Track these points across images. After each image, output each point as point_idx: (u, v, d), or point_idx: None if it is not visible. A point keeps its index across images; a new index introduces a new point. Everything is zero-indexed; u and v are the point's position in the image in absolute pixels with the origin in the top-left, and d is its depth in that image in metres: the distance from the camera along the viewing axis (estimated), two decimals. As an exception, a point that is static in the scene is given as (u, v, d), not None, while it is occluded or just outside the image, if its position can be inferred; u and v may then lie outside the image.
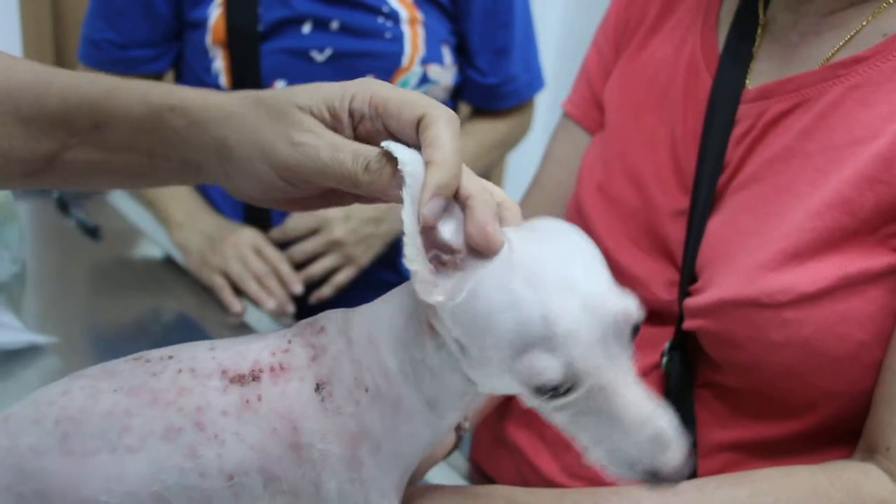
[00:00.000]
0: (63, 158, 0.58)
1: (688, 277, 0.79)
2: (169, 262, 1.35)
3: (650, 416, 0.45)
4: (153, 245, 1.39)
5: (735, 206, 0.77)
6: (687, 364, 0.80)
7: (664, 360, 0.81)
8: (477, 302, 0.46)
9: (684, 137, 0.83)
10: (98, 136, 0.57)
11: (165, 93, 0.56)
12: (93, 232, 1.38)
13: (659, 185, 0.83)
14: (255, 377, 0.53)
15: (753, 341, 0.72)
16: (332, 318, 0.55)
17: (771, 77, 0.79)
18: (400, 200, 0.48)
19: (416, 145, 0.50)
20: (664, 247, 0.83)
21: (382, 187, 0.50)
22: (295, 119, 0.52)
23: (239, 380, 0.53)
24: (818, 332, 0.70)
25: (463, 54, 1.44)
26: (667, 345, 0.81)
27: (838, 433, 0.73)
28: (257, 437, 0.52)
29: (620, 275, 0.85)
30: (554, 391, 0.45)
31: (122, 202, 1.48)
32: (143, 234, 1.42)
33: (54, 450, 0.53)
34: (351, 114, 0.52)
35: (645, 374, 0.83)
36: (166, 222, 1.36)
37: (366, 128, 0.53)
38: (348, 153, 0.51)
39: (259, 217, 1.38)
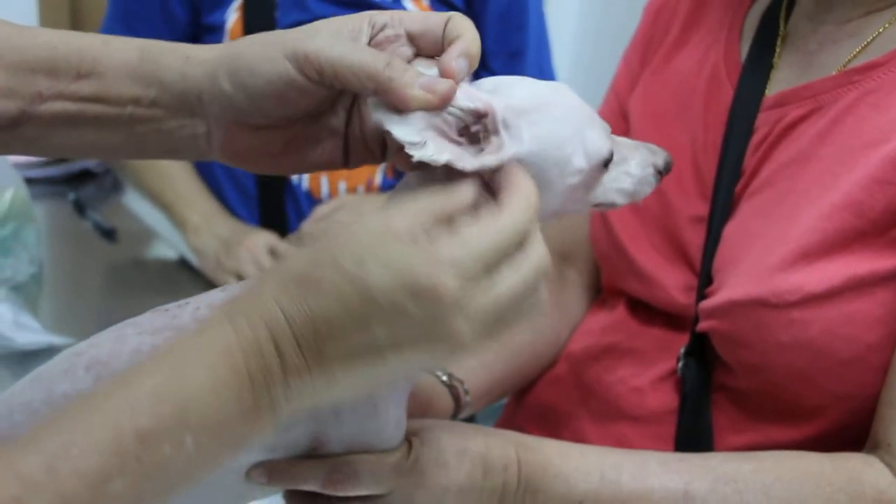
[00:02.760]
0: (37, 111, 0.58)
1: (705, 282, 0.80)
2: (184, 264, 1.36)
3: (636, 146, 0.62)
4: (168, 247, 1.40)
5: (749, 210, 0.78)
6: (704, 368, 0.80)
7: (680, 364, 0.81)
8: (542, 139, 0.56)
9: (705, 146, 0.84)
10: (77, 87, 0.58)
11: (166, 43, 0.59)
12: (109, 234, 1.39)
13: (679, 193, 0.84)
14: None
15: (762, 342, 0.73)
16: None
17: (789, 85, 0.80)
18: (408, 101, 0.52)
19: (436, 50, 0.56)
20: (683, 252, 0.84)
21: (401, 85, 0.52)
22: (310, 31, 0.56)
23: None
24: (825, 332, 0.70)
25: None
26: (682, 349, 0.81)
27: (851, 437, 0.73)
28: None
29: (640, 276, 0.86)
30: (607, 162, 0.59)
31: (138, 205, 1.49)
32: (158, 237, 1.43)
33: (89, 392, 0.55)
34: (371, 24, 0.56)
35: (662, 379, 0.83)
36: (182, 225, 1.37)
37: (386, 34, 0.56)
38: (368, 51, 0.54)
39: (275, 221, 1.38)
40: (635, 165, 0.61)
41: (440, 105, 0.53)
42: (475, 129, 0.55)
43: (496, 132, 0.55)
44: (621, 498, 0.66)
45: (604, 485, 0.66)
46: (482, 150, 0.55)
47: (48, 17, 2.04)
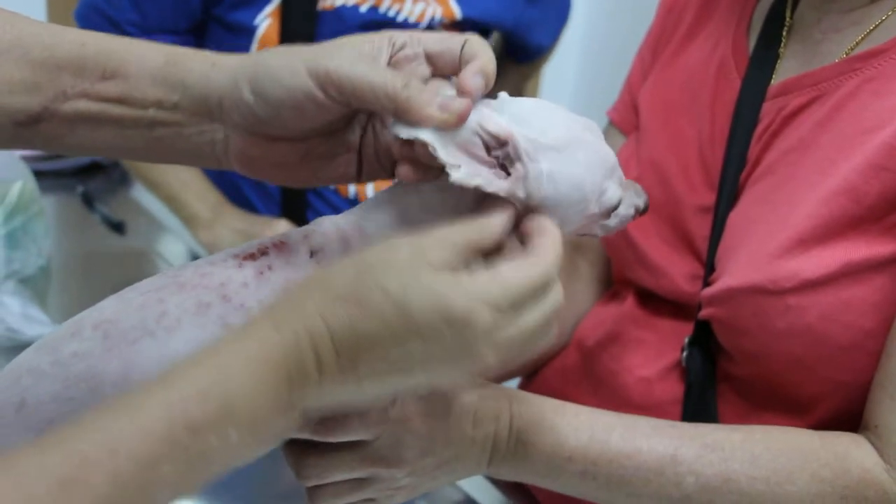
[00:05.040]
0: (59, 109, 0.60)
1: (710, 271, 0.80)
2: (193, 257, 1.36)
3: (627, 186, 0.64)
4: (177, 240, 1.40)
5: (751, 198, 0.79)
6: (708, 358, 0.81)
7: (684, 354, 0.82)
8: (562, 178, 0.57)
9: (711, 137, 0.84)
10: (102, 87, 0.59)
11: (192, 50, 0.61)
12: (117, 227, 1.39)
13: (685, 183, 0.85)
14: (263, 252, 0.60)
15: (760, 329, 0.73)
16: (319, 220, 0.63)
17: (794, 74, 0.80)
18: (426, 121, 0.54)
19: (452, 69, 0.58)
20: (689, 242, 0.84)
21: (418, 105, 0.54)
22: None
23: (250, 257, 0.60)
24: (822, 319, 0.71)
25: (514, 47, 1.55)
26: (686, 339, 0.82)
27: (851, 426, 0.73)
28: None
29: (648, 266, 0.87)
30: (613, 209, 0.62)
31: (147, 198, 1.49)
32: (167, 229, 1.43)
33: (98, 349, 0.57)
34: (391, 44, 0.58)
35: (669, 368, 0.84)
36: (192, 221, 1.36)
37: (405, 53, 0.58)
38: (387, 71, 0.56)
39: (295, 211, 1.37)
40: (623, 207, 0.64)
41: (457, 123, 0.55)
42: (497, 153, 0.57)
43: (518, 159, 0.56)
44: (609, 456, 0.68)
45: (593, 442, 0.68)
46: (508, 174, 0.57)
47: (56, 13, 2.04)
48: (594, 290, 0.98)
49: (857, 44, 0.77)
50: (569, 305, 0.95)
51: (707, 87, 0.86)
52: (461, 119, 0.55)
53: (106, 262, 1.33)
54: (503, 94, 0.59)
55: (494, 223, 0.55)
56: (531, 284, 0.52)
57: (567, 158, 0.58)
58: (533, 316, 0.53)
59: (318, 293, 0.51)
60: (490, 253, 0.54)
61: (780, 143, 0.78)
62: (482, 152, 0.56)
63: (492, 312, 0.50)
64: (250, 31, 1.33)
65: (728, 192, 0.80)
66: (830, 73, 0.77)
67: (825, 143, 0.74)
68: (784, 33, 0.83)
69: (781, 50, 0.82)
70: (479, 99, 0.56)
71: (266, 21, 1.32)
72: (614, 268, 0.95)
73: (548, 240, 0.55)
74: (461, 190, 0.56)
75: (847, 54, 0.77)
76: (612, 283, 0.97)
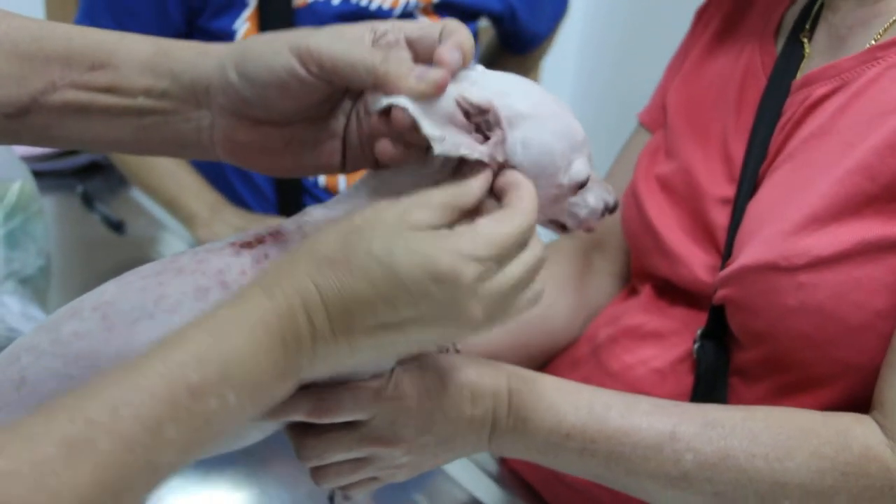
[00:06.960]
0: (48, 100, 0.60)
1: (726, 259, 0.80)
2: (193, 256, 1.35)
3: (599, 181, 0.65)
4: (177, 239, 1.40)
5: (769, 185, 0.79)
6: (721, 350, 0.80)
7: (696, 346, 0.82)
8: (534, 143, 0.59)
9: (735, 132, 0.85)
10: (91, 77, 0.60)
11: (180, 40, 0.62)
12: (117, 226, 1.39)
13: (707, 176, 0.85)
14: (259, 241, 0.61)
15: (770, 307, 0.73)
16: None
17: (817, 67, 0.81)
18: (404, 92, 0.55)
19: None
20: (709, 233, 0.85)
21: (397, 76, 0.55)
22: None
23: (247, 245, 0.61)
24: (833, 297, 0.70)
25: (509, 35, 1.55)
26: (699, 331, 0.82)
27: (860, 411, 0.72)
28: None
29: (666, 254, 0.87)
30: (581, 186, 0.63)
31: (146, 198, 1.49)
32: (166, 229, 1.42)
33: (97, 329, 0.58)
34: (372, 31, 0.59)
35: (681, 360, 0.83)
36: (190, 220, 1.35)
37: (386, 40, 0.59)
38: (366, 47, 0.57)
39: (291, 211, 1.37)
40: (593, 198, 0.65)
41: (435, 93, 0.56)
42: (477, 120, 0.58)
43: (499, 125, 0.58)
44: (607, 433, 0.68)
45: (591, 419, 0.68)
46: (486, 138, 0.58)
47: (54, 16, 2.04)
48: (611, 286, 0.98)
49: (881, 35, 0.77)
50: (579, 299, 0.96)
51: (733, 86, 0.87)
52: (439, 89, 0.56)
53: (106, 262, 1.33)
54: (479, 66, 0.60)
55: (473, 184, 0.57)
56: (511, 235, 0.54)
57: (538, 126, 0.59)
58: (515, 267, 0.55)
59: (307, 258, 0.53)
60: (470, 213, 0.56)
61: (801, 132, 0.78)
62: (462, 117, 0.57)
63: (476, 267, 0.52)
64: (230, 36, 1.33)
65: (748, 183, 0.81)
66: (853, 62, 0.77)
67: (844, 128, 0.74)
68: (808, 34, 0.83)
69: (807, 50, 0.83)
70: (458, 71, 0.58)
71: (245, 25, 1.32)
72: (633, 258, 0.95)
73: (521, 191, 0.57)
74: (443, 162, 0.58)
75: (871, 45, 0.77)
76: (629, 280, 0.97)
